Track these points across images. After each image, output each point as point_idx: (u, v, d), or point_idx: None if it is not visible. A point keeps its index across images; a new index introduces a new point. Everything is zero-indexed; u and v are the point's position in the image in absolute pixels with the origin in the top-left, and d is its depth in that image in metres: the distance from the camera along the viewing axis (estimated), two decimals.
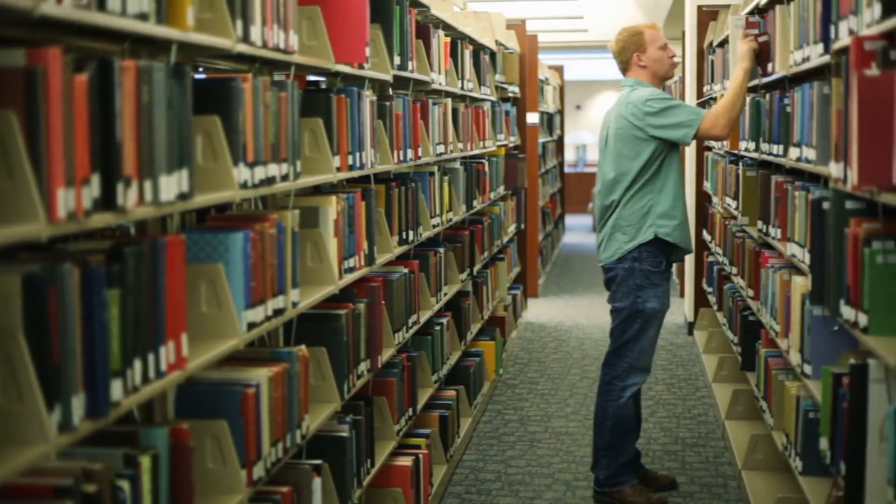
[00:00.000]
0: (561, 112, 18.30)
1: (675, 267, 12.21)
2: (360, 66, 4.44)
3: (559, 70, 18.28)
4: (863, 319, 3.31)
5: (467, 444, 6.62)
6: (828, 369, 3.69)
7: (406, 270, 5.30)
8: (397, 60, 5.09)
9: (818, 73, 4.49)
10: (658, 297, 5.45)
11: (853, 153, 3.05)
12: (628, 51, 5.56)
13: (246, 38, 3.26)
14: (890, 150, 2.90)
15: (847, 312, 3.47)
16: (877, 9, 3.14)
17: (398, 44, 5.11)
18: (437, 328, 6.11)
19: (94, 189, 2.33)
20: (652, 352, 5.56)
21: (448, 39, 6.55)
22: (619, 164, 5.44)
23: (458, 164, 6.91)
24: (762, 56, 5.58)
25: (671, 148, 5.42)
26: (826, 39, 4.01)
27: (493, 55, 8.78)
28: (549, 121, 15.58)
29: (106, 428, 2.43)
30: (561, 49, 19.12)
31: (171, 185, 2.68)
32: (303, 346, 3.79)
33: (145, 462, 2.64)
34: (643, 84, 5.53)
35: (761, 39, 5.57)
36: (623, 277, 5.44)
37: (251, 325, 3.25)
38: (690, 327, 9.94)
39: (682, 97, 10.73)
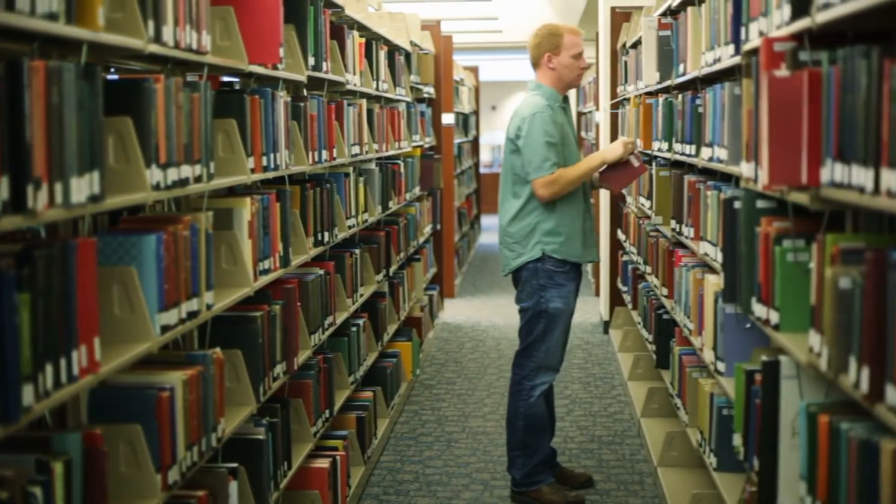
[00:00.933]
0: (476, 113, 18.35)
1: (590, 266, 12.30)
2: (274, 67, 4.41)
3: (474, 71, 18.32)
4: (774, 317, 3.35)
5: (385, 445, 6.62)
6: (741, 366, 3.73)
7: (322, 272, 5.28)
8: (312, 61, 5.06)
9: (729, 74, 4.54)
10: (562, 297, 5.47)
11: (763, 153, 3.09)
12: (542, 48, 5.55)
13: (158, 39, 3.22)
14: (799, 150, 2.94)
15: (759, 310, 3.51)
16: (786, 10, 3.19)
17: (312, 44, 5.09)
18: (354, 329, 6.09)
19: (3, 191, 2.30)
20: (559, 351, 5.57)
21: (363, 40, 6.54)
22: (506, 175, 5.51)
23: (373, 165, 6.90)
24: (621, 173, 5.56)
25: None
26: (737, 41, 4.06)
27: (407, 56, 8.78)
28: (464, 121, 15.60)
29: (17, 433, 2.40)
30: (476, 50, 19.19)
31: (82, 186, 2.65)
32: (218, 349, 3.76)
33: (58, 468, 2.60)
34: (542, 90, 5.51)
35: (635, 162, 5.53)
36: (527, 278, 5.47)
37: (165, 328, 3.21)
38: (606, 326, 10.02)
39: (597, 99, 10.81)
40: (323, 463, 5.09)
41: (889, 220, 3.07)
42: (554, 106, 5.47)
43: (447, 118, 11.28)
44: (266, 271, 4.31)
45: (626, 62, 8.69)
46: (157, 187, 3.17)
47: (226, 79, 4.85)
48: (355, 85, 6.18)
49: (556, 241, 5.42)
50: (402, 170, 7.88)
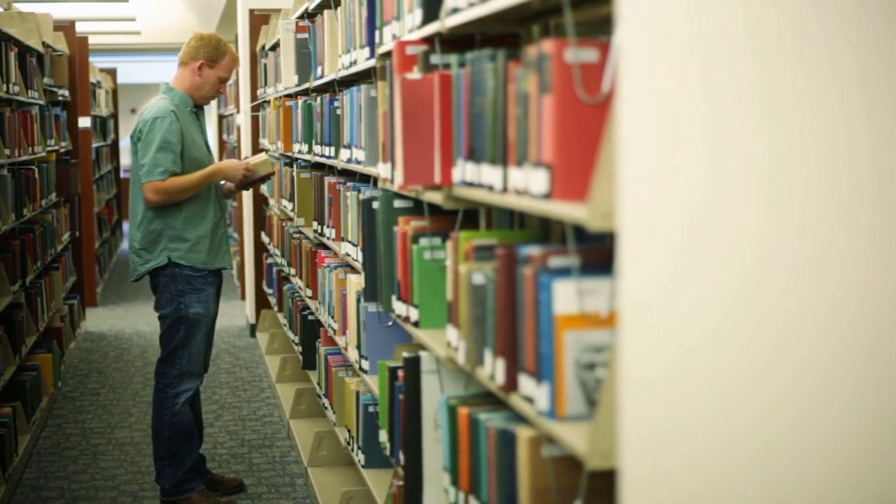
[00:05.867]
0: (115, 116, 17.94)
1: (235, 269, 12.23)
2: None
3: (112, 73, 17.89)
4: (414, 314, 3.43)
5: (27, 462, 6.37)
6: (384, 364, 3.80)
7: None
8: None
9: (366, 77, 4.62)
10: (202, 302, 5.40)
11: (398, 154, 3.15)
12: (200, 53, 5.42)
13: None
14: (431, 151, 3.02)
15: (399, 308, 3.59)
16: (417, 15, 3.27)
17: None
18: None
19: None
20: (202, 356, 5.50)
21: None
22: (134, 179, 5.40)
23: (5, 171, 6.64)
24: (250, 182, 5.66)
25: (180, 169, 5.33)
26: (371, 44, 4.13)
27: (40, 57, 8.49)
28: (102, 125, 15.22)
29: None
30: (114, 52, 18.70)
31: None
32: None
33: None
34: (173, 94, 5.40)
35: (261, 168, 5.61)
36: (165, 283, 5.37)
37: None
38: (252, 329, 9.99)
39: (238, 101, 10.76)
40: None
41: (518, 217, 3.19)
42: (182, 111, 5.36)
43: (84, 121, 10.96)
44: None
45: (265, 65, 8.69)
46: None
47: None
48: None
49: (182, 247, 5.34)
50: (36, 175, 7.62)
